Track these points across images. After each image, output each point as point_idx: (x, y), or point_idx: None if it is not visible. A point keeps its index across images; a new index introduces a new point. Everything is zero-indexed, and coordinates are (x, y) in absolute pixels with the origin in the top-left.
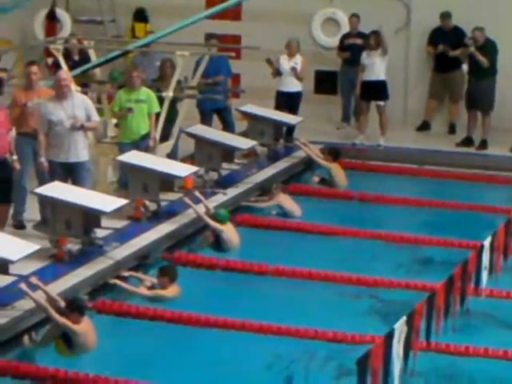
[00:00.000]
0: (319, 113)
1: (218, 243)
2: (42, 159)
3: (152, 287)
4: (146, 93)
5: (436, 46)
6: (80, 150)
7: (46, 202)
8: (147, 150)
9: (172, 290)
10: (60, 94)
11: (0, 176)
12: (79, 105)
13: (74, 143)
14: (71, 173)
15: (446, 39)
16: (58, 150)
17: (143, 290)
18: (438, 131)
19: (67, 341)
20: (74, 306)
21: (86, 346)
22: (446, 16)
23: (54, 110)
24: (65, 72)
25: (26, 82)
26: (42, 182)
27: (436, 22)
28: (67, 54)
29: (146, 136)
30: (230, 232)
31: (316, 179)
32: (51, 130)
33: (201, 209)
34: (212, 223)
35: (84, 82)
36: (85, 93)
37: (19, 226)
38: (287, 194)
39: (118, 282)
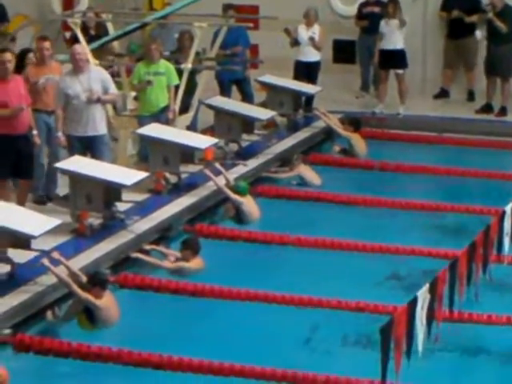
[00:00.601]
0: (338, 82)
1: (239, 215)
2: (59, 134)
3: (176, 261)
4: (164, 65)
5: (450, 11)
6: (98, 124)
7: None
8: (167, 122)
9: (195, 263)
10: (76, 67)
11: (22, 151)
12: (96, 78)
13: (91, 117)
14: (90, 147)
15: (461, 4)
16: (76, 124)
17: (166, 264)
18: (457, 98)
19: (90, 315)
20: (95, 281)
21: (109, 320)
22: None
23: (70, 83)
24: (80, 46)
25: (37, 57)
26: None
27: None
28: (85, 28)
29: (166, 108)
30: (249, 204)
31: (337, 149)
32: (68, 104)
33: (221, 181)
34: (232, 195)
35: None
36: (107, 67)
37: (40, 201)
38: (307, 164)
39: (140, 255)
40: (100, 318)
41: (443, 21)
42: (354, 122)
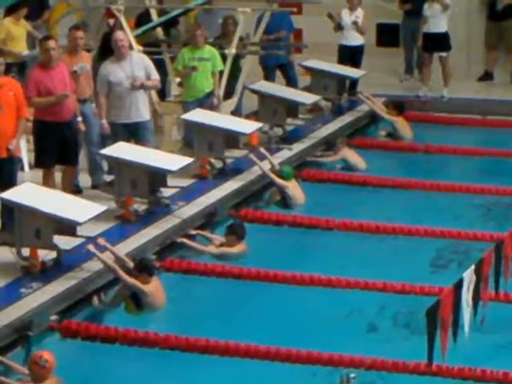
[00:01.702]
0: (382, 66)
1: (284, 200)
2: (104, 121)
3: (221, 246)
4: (209, 51)
5: None
6: (141, 110)
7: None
8: (211, 108)
9: (239, 248)
10: (118, 54)
11: (67, 138)
12: (138, 64)
13: (134, 103)
14: (133, 133)
15: None
16: (119, 111)
17: (211, 249)
18: (501, 81)
19: (136, 301)
20: (143, 267)
21: (156, 305)
22: None
23: (112, 70)
24: (122, 33)
25: (70, 46)
26: (103, 145)
27: None
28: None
29: (210, 94)
30: (294, 189)
31: (383, 133)
32: (111, 91)
33: (266, 165)
34: (277, 180)
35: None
36: (152, 53)
37: (76, 190)
38: (352, 147)
39: (185, 240)
40: (147, 303)
41: (484, 3)
42: (397, 106)
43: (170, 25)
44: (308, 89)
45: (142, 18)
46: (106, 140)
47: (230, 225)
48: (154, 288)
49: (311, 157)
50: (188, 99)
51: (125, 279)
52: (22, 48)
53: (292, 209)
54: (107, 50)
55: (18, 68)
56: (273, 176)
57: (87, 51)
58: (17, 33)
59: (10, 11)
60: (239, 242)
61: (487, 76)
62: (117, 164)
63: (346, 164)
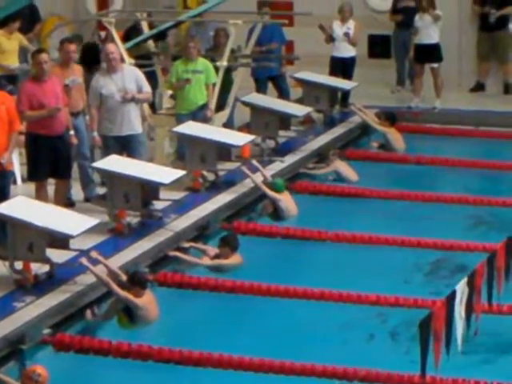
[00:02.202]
0: (374, 77)
1: (277, 212)
2: (95, 134)
3: (215, 257)
4: (203, 63)
5: (482, 4)
6: (133, 122)
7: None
8: (205, 120)
9: (234, 259)
10: (109, 67)
11: (59, 151)
12: (129, 77)
13: (126, 116)
14: (125, 146)
15: None
16: (111, 124)
17: (206, 261)
18: (493, 92)
19: (129, 314)
20: (135, 280)
21: (149, 318)
22: None
23: (104, 83)
24: (113, 45)
25: (62, 59)
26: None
27: None
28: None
29: (204, 106)
30: (287, 201)
31: (375, 145)
32: (102, 103)
33: (258, 178)
34: (269, 192)
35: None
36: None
37: (69, 203)
38: (344, 159)
39: (178, 254)
40: (140, 316)
41: (476, 14)
42: (389, 117)
43: (158, 38)
44: (300, 101)
45: (131, 33)
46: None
47: (223, 236)
48: (147, 301)
49: (304, 169)
50: (181, 112)
51: (117, 293)
52: (13, 62)
53: (284, 221)
54: (88, 61)
55: (8, 81)
56: (265, 189)
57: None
58: (8, 46)
59: (2, 25)
60: (233, 253)
61: (479, 87)
62: (109, 177)
63: (338, 176)
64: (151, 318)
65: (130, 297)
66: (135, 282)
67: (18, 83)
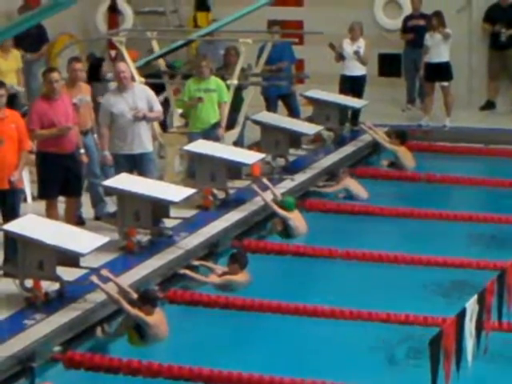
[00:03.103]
0: (384, 95)
1: (286, 230)
2: (106, 153)
3: (223, 275)
4: (215, 82)
5: (492, 23)
6: (144, 141)
7: None
8: (217, 139)
9: (242, 276)
10: (120, 85)
11: (70, 169)
12: (140, 95)
13: (137, 134)
14: (136, 164)
15: (503, 16)
16: (122, 143)
17: (213, 279)
18: (504, 110)
19: (140, 332)
20: (146, 299)
21: (159, 336)
22: None
23: (115, 102)
24: (124, 64)
25: (69, 78)
26: (105, 176)
27: None
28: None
29: (216, 125)
30: (297, 219)
31: (385, 163)
32: (113, 122)
33: (268, 196)
34: (279, 211)
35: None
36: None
37: (79, 221)
38: (354, 177)
39: (187, 272)
40: (150, 334)
41: (487, 32)
42: (400, 135)
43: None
44: (310, 119)
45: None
46: (106, 170)
47: (232, 253)
48: (158, 319)
49: (314, 187)
50: (194, 130)
51: (128, 310)
52: (10, 81)
53: (294, 239)
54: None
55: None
56: (275, 207)
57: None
58: (5, 67)
59: None
60: (242, 270)
61: (489, 105)
62: (120, 195)
63: (349, 193)
64: (161, 336)
65: (141, 315)
66: (146, 300)
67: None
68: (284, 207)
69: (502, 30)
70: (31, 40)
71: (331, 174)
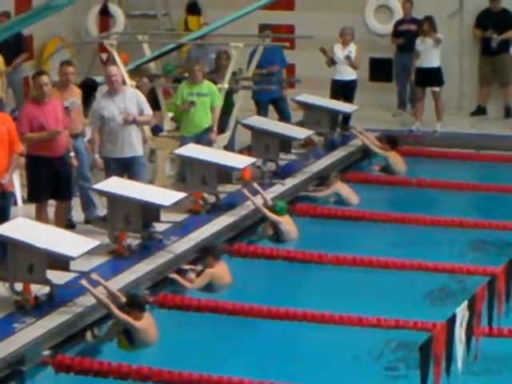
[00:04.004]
0: (375, 100)
1: (277, 235)
2: (96, 156)
3: (200, 272)
4: (208, 86)
5: (483, 28)
6: (134, 145)
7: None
8: (209, 143)
9: (220, 267)
10: (111, 89)
11: (60, 173)
12: (131, 99)
13: (127, 138)
14: (127, 168)
15: (494, 21)
16: (112, 146)
17: (197, 283)
18: (494, 115)
19: (129, 336)
20: (134, 303)
21: (148, 341)
22: None
23: (105, 105)
24: (115, 67)
25: (60, 81)
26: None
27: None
28: None
29: (208, 129)
30: (287, 223)
31: (376, 168)
32: (104, 126)
33: (259, 200)
34: (270, 215)
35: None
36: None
37: (69, 225)
38: (345, 182)
39: (176, 277)
40: (139, 339)
41: (478, 38)
42: (391, 140)
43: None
44: (301, 123)
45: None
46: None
47: (202, 248)
48: (146, 324)
49: (304, 192)
50: (186, 134)
51: (117, 315)
52: None
53: (285, 243)
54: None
55: None
56: (266, 211)
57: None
58: None
59: None
60: (217, 261)
61: (480, 110)
62: (110, 199)
63: (339, 197)
64: (150, 341)
65: (130, 319)
66: (134, 304)
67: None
68: (275, 211)
69: (493, 36)
70: (8, 49)
71: (322, 179)
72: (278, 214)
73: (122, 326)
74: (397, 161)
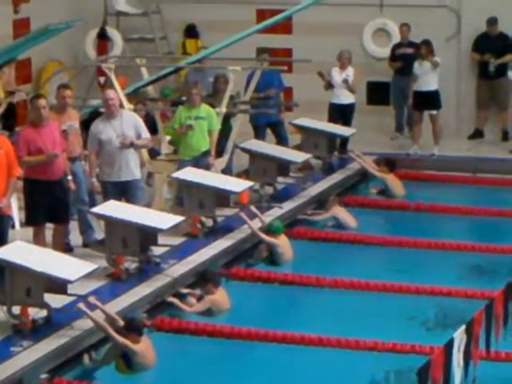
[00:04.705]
0: (372, 124)
1: (272, 257)
2: (93, 179)
3: (200, 297)
4: (205, 110)
5: (481, 52)
6: (131, 168)
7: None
8: (207, 167)
9: (220, 294)
10: (108, 113)
11: (57, 196)
12: (128, 123)
13: (125, 162)
14: (124, 191)
15: (491, 45)
16: (110, 170)
17: (197, 308)
18: (492, 139)
19: (127, 360)
20: (132, 327)
21: (145, 364)
22: (492, 22)
23: (103, 129)
24: (113, 91)
25: (58, 105)
26: (92, 203)
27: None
28: None
29: (206, 153)
30: (284, 245)
31: (374, 191)
32: (102, 149)
33: (257, 224)
34: (267, 238)
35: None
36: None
37: (67, 248)
38: (343, 205)
39: (174, 300)
40: (137, 362)
41: (475, 61)
42: (388, 163)
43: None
44: (298, 147)
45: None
46: (94, 197)
47: (201, 274)
48: (144, 347)
49: (302, 215)
50: (184, 158)
51: (115, 338)
52: None
53: (280, 265)
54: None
55: None
56: (262, 235)
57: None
58: None
59: None
60: (217, 288)
61: (478, 134)
62: (107, 222)
63: (337, 221)
64: (148, 364)
65: (127, 343)
66: (131, 328)
67: None
68: (271, 231)
69: (490, 60)
70: None
71: (320, 202)
72: (274, 234)
73: (120, 350)
74: (395, 184)
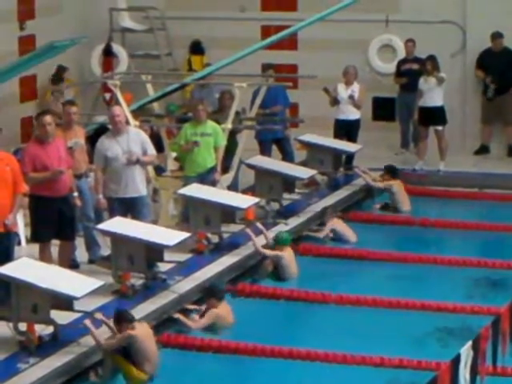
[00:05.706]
0: (378, 139)
1: (277, 271)
2: (100, 196)
3: (204, 313)
4: (211, 126)
5: (485, 69)
6: (138, 185)
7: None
8: (213, 183)
9: (223, 308)
10: (115, 129)
11: (63, 213)
12: (134, 139)
13: (131, 178)
14: (130, 208)
15: (495, 62)
16: (116, 186)
17: (200, 323)
18: (497, 154)
19: (125, 353)
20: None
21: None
22: (496, 36)
23: (109, 145)
24: (119, 108)
25: (64, 121)
26: (98, 219)
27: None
28: None
29: (212, 169)
30: (288, 258)
31: (377, 206)
32: (108, 166)
33: (262, 240)
34: (271, 253)
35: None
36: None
37: (73, 265)
38: (346, 221)
39: (180, 317)
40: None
41: (480, 78)
42: (390, 169)
43: None
44: (304, 163)
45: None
46: (100, 214)
47: (205, 289)
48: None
49: (307, 231)
50: (190, 174)
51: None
52: None
53: (285, 280)
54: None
55: None
56: (266, 251)
57: None
58: None
59: None
60: (220, 302)
61: (483, 149)
62: (113, 239)
63: (335, 235)
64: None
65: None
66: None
67: None
68: (278, 241)
69: (490, 86)
70: None
71: (322, 218)
72: (282, 245)
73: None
74: (400, 189)
